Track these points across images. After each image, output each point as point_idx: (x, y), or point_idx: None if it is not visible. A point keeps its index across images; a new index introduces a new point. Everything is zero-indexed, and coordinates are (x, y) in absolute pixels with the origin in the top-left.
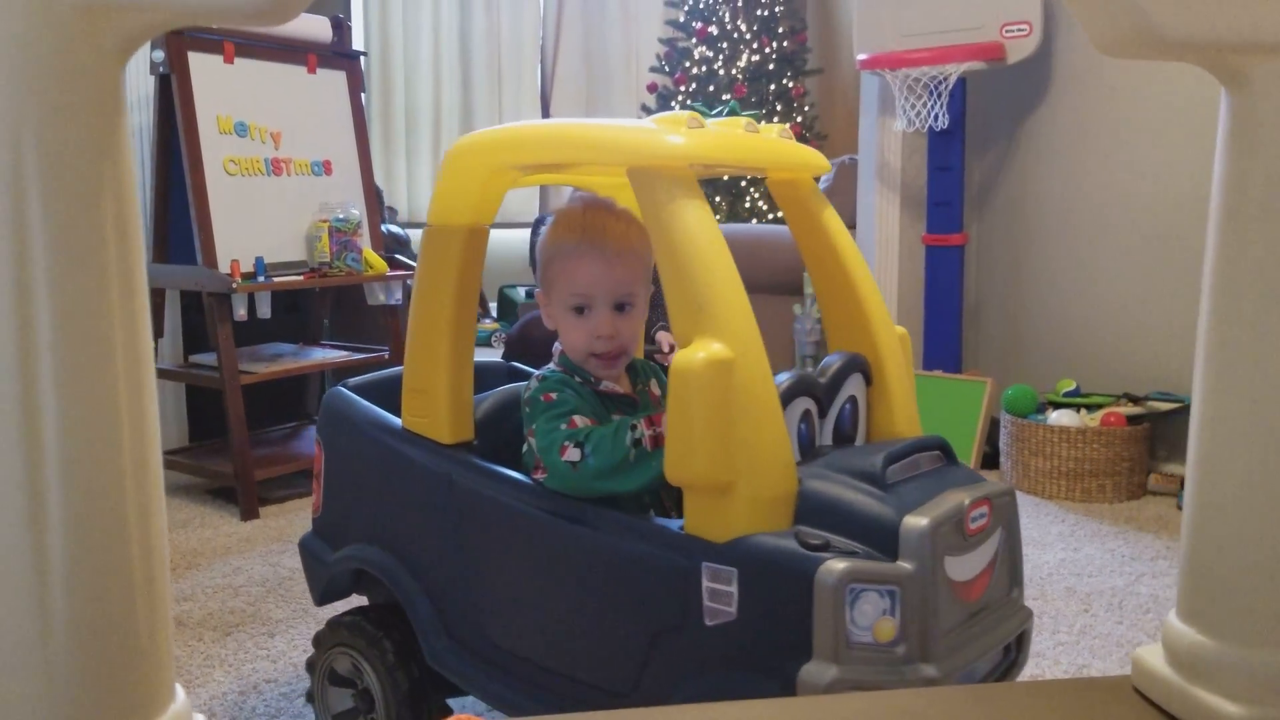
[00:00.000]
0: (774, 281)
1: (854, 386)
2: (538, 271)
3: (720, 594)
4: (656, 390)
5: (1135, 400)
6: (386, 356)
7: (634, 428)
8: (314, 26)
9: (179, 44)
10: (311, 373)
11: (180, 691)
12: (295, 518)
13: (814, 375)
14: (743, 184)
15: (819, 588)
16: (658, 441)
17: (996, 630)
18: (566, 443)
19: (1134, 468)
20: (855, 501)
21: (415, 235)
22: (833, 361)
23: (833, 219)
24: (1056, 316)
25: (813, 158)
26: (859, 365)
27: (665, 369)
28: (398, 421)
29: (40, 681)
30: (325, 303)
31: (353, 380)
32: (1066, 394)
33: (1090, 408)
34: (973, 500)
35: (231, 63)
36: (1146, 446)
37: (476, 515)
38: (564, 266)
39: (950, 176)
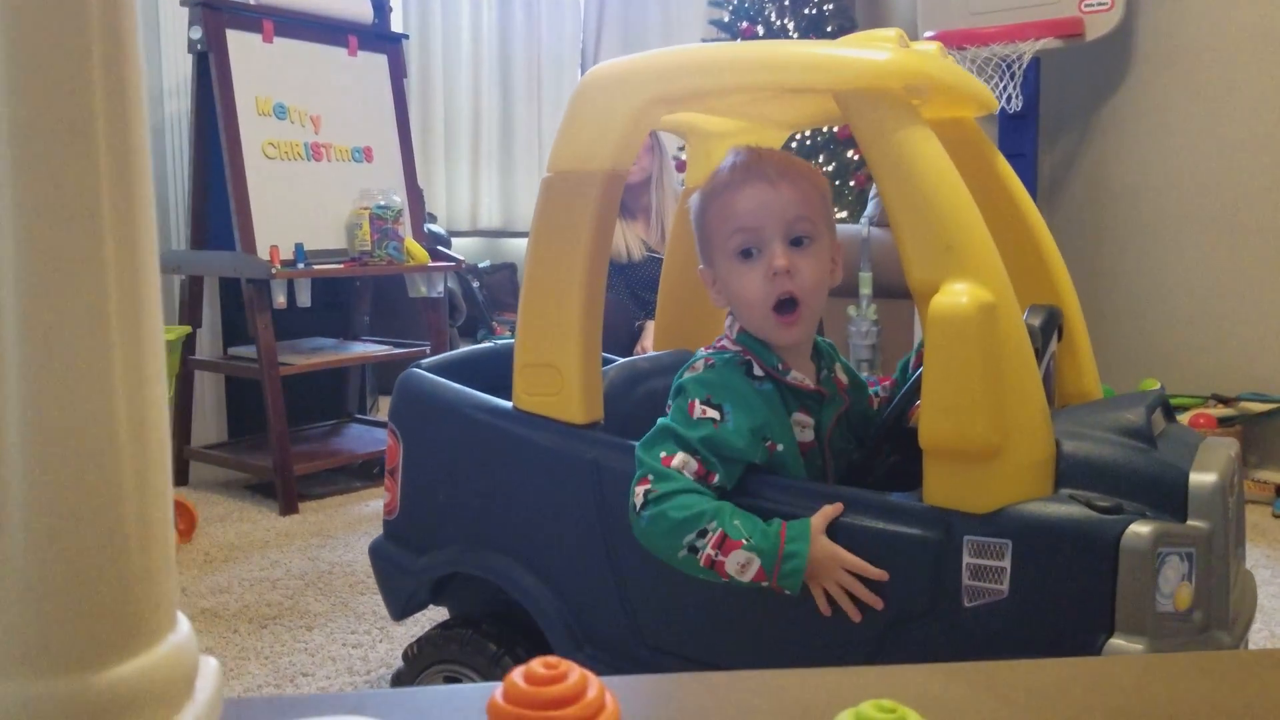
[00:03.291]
0: None
1: (1054, 342)
2: (697, 241)
3: (987, 570)
4: (843, 378)
5: (1225, 401)
6: (428, 352)
7: (704, 534)
8: (354, 6)
9: (217, 21)
10: (351, 370)
11: (184, 621)
12: (335, 513)
13: (1033, 327)
14: None
15: (1126, 553)
16: (712, 566)
17: (1249, 590)
18: (649, 475)
19: None
20: (1129, 460)
21: (456, 242)
22: (1038, 314)
23: (1004, 163)
24: (1138, 312)
25: (988, 92)
26: (1059, 321)
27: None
28: (503, 403)
29: None
30: (365, 298)
31: (426, 360)
32: None
33: (1176, 410)
34: (1234, 453)
35: (270, 42)
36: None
37: None
38: (721, 205)
39: (1022, 164)
